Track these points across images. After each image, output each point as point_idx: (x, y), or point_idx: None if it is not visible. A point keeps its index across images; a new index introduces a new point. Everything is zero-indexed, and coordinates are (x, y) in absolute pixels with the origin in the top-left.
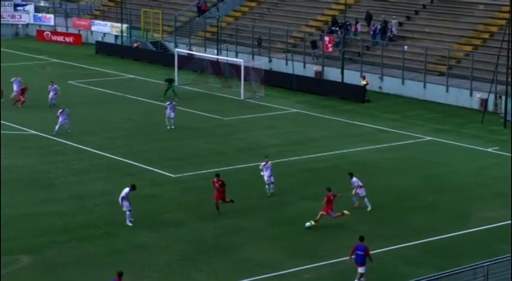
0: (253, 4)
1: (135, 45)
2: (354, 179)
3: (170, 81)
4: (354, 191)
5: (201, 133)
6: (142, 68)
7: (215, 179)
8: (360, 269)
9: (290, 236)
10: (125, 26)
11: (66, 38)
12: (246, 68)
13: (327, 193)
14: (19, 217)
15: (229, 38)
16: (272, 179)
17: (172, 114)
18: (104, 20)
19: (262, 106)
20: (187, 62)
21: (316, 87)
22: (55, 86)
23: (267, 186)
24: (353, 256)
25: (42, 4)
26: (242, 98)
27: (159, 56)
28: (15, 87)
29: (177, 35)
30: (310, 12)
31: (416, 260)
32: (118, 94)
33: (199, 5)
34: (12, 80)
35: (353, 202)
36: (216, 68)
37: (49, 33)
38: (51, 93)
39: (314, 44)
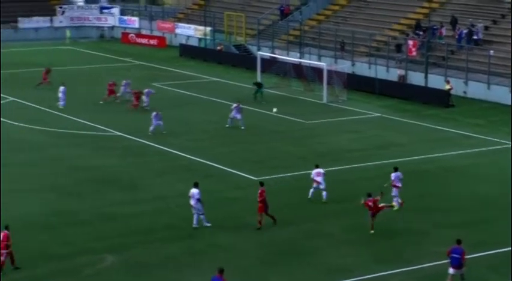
0: (337, 8)
1: (218, 48)
2: (394, 174)
3: (259, 85)
4: (389, 184)
5: (283, 136)
6: (226, 71)
7: (260, 189)
8: (454, 271)
9: (372, 241)
10: (208, 29)
11: (150, 41)
12: (328, 71)
13: (365, 198)
14: (103, 216)
15: (312, 41)
16: (322, 186)
17: (238, 116)
18: (187, 23)
19: (344, 110)
20: (270, 65)
21: (400, 91)
22: (150, 89)
23: (312, 189)
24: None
25: (127, 7)
26: (324, 101)
27: (242, 59)
28: (122, 89)
29: (260, 38)
30: (393, 16)
31: (503, 270)
32: (201, 97)
33: (283, 8)
34: (123, 84)
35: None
36: (299, 71)
37: (134, 35)
38: (144, 98)
39: (399, 48)
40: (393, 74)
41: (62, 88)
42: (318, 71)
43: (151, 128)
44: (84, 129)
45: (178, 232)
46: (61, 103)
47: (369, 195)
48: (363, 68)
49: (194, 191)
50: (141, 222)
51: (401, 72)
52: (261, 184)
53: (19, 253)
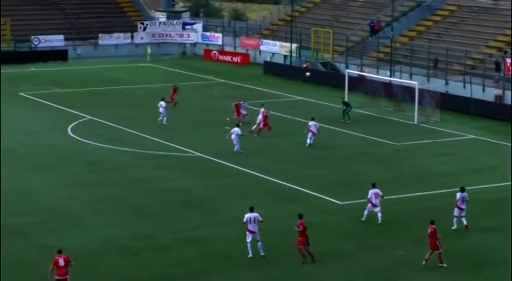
0: (430, 23)
1: (304, 65)
2: (460, 194)
3: (346, 104)
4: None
5: (371, 158)
6: (312, 90)
7: (299, 222)
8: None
9: (466, 269)
10: (294, 45)
11: (233, 58)
12: (420, 90)
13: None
14: (182, 241)
15: (403, 59)
16: (377, 208)
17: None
18: (273, 39)
19: (436, 131)
20: (358, 84)
21: (496, 112)
22: (243, 102)
23: (366, 211)
24: None
25: (210, 23)
26: (415, 122)
27: (329, 77)
28: (259, 117)
29: (348, 55)
30: (490, 32)
31: None
32: (286, 116)
33: (373, 25)
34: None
35: (453, 223)
36: (389, 90)
37: (216, 52)
38: (242, 112)
39: (498, 66)
40: (489, 93)
41: (162, 103)
42: (409, 90)
43: (235, 148)
44: (164, 150)
45: (257, 258)
46: (164, 119)
47: (432, 222)
48: (457, 87)
49: (252, 215)
50: (221, 247)
51: (498, 92)
52: (300, 216)
53: (97, 276)
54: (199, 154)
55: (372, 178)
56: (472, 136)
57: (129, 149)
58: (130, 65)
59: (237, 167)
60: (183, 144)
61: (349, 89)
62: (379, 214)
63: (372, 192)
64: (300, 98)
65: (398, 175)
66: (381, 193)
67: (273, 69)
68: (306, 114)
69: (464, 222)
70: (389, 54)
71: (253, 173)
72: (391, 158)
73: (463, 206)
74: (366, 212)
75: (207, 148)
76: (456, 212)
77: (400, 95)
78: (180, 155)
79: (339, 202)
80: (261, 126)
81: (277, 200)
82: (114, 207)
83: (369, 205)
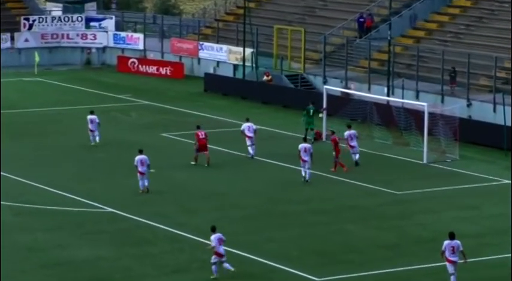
0: (445, 19)
1: (264, 78)
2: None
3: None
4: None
5: (362, 214)
6: (273, 115)
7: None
8: None
9: None
10: (248, 50)
11: (161, 69)
12: (431, 115)
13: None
14: None
15: (406, 69)
16: None
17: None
18: (217, 42)
19: (454, 174)
20: (342, 106)
21: None
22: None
23: None
24: None
25: (127, 18)
26: (424, 161)
27: (299, 96)
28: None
29: (326, 64)
30: None
31: None
32: (236, 153)
33: (362, 20)
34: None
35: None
36: (386, 115)
37: (136, 61)
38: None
39: None
40: None
41: (92, 117)
42: (416, 114)
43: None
44: (61, 203)
45: None
46: (97, 138)
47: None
48: (484, 110)
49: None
50: None
51: None
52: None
53: None
54: (110, 209)
55: (364, 243)
56: (506, 181)
57: (9, 202)
58: (9, 80)
59: (165, 227)
60: (88, 195)
61: (329, 114)
62: (357, 156)
63: (348, 133)
64: (258, 126)
65: (400, 238)
66: (356, 134)
67: (217, 85)
68: (265, 149)
69: None
70: (386, 63)
71: (188, 236)
72: (390, 214)
73: (455, 258)
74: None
75: (121, 200)
76: (450, 268)
77: (402, 122)
78: (83, 210)
79: (315, 278)
80: (196, 154)
81: (225, 277)
82: None
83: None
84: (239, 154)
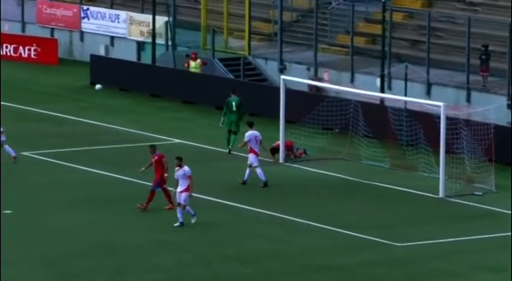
0: None
1: (186, 64)
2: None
3: (274, 150)
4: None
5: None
6: (202, 122)
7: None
8: None
9: None
10: (162, 20)
11: (21, 50)
12: (451, 121)
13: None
14: None
15: (410, 49)
16: None
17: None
18: (111, 6)
19: (486, 215)
20: (308, 107)
21: None
22: (256, 133)
23: None
24: None
25: None
26: (441, 195)
27: (243, 91)
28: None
29: (284, 41)
30: None
31: None
32: (110, 175)
33: None
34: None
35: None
36: (379, 121)
37: None
38: None
39: None
40: None
41: None
42: (426, 120)
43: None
44: None
45: None
46: (12, 153)
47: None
48: None
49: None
50: None
51: None
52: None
53: None
54: None
55: None
56: None
57: None
58: None
59: None
60: None
61: (288, 119)
62: (259, 171)
63: (249, 134)
64: (176, 140)
65: None
66: (260, 137)
67: (111, 75)
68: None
69: None
70: (379, 40)
71: None
72: (387, 279)
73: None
74: (247, 171)
75: None
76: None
77: (404, 133)
78: None
79: None
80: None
81: None
82: None
83: (250, 155)
84: (145, 184)
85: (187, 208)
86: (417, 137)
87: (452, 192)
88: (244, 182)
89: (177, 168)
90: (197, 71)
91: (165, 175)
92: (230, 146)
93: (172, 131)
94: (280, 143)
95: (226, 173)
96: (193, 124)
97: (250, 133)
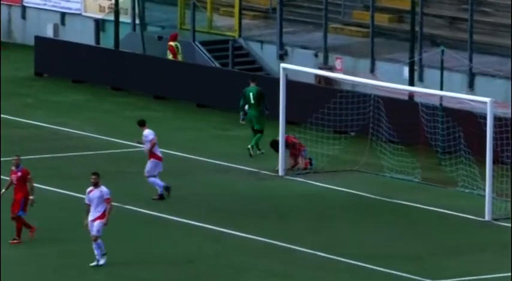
0: None
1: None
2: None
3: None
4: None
5: None
6: (180, 125)
7: None
8: None
9: None
10: None
11: None
12: (502, 122)
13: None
14: None
15: (448, 29)
16: None
17: None
18: None
19: None
20: (316, 104)
21: None
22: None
23: None
24: None
25: None
26: (487, 218)
27: (230, 83)
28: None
29: (284, 19)
30: None
31: None
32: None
33: None
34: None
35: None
36: (407, 121)
37: None
38: None
39: None
40: None
41: None
42: (468, 120)
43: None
44: None
45: None
46: None
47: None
48: None
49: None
50: None
51: None
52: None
53: None
54: None
55: None
56: None
57: None
58: None
59: None
60: None
61: (287, 119)
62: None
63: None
64: (145, 147)
65: None
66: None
67: (63, 62)
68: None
69: None
70: (406, 18)
71: None
72: None
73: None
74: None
75: None
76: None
77: (440, 138)
78: None
79: None
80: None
81: None
82: None
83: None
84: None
85: (99, 241)
86: (456, 143)
87: (501, 213)
88: (161, 196)
89: (91, 188)
90: (175, 57)
91: (31, 197)
92: (256, 149)
93: (140, 134)
94: (280, 150)
95: (210, 188)
96: (167, 126)
97: (151, 132)
